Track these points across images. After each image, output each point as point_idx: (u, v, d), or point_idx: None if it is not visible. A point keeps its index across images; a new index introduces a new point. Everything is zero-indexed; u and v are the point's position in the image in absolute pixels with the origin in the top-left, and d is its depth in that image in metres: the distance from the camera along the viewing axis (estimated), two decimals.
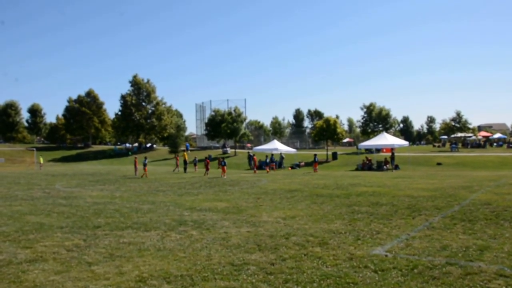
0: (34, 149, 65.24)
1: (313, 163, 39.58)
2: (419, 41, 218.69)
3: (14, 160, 66.25)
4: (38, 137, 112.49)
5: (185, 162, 39.30)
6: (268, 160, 40.46)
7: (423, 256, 6.99)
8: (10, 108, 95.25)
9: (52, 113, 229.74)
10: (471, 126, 75.35)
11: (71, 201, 15.70)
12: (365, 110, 69.65)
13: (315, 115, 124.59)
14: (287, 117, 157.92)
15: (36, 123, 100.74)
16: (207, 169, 33.76)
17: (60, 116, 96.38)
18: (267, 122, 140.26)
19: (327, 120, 55.11)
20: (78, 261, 6.98)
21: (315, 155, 41.13)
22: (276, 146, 48.04)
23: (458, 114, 74.68)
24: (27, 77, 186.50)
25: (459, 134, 74.44)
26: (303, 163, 47.67)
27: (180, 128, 78.32)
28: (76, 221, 10.94)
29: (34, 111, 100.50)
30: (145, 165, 32.55)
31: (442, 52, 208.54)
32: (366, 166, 41.07)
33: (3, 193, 19.25)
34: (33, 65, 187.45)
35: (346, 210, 12.22)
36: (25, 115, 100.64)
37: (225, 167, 29.85)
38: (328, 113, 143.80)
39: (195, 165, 41.92)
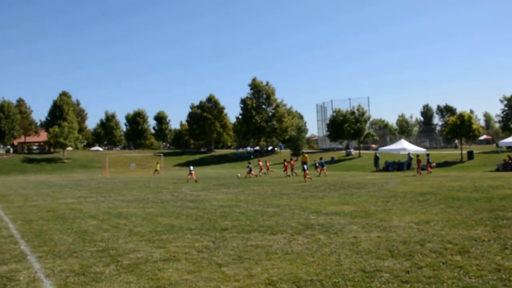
0: (161, 154, 70.31)
1: (426, 164, 36.89)
2: None
3: (143, 165, 71.66)
4: (164, 143, 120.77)
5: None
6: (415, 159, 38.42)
7: None
8: (139, 117, 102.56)
9: (176, 120, 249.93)
10: None
11: (198, 204, 16.38)
12: (505, 102, 62.34)
13: (446, 110, 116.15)
14: (415, 114, 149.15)
15: (162, 130, 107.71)
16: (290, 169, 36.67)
17: (184, 122, 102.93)
18: (392, 120, 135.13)
19: (461, 116, 50.71)
20: (208, 262, 7.17)
21: (428, 155, 38.44)
22: (404, 146, 45.66)
23: None
24: (152, 88, 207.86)
25: None
26: (434, 164, 44.57)
27: (301, 130, 78.35)
28: (204, 223, 11.34)
29: (160, 119, 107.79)
30: (191, 171, 32.71)
31: None
32: (509, 166, 37.08)
33: (136, 196, 20.87)
34: (158, 77, 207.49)
35: (488, 215, 10.99)
36: (151, 123, 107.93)
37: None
38: (461, 107, 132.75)
39: (316, 167, 40.93)
